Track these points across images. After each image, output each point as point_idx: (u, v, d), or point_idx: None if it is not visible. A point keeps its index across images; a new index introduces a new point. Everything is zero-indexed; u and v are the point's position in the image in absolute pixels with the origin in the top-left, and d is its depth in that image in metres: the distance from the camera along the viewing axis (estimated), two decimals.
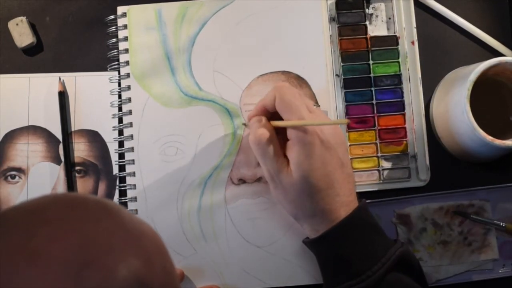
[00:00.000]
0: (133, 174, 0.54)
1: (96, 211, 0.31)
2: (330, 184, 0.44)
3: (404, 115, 0.55)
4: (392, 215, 0.54)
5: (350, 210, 0.45)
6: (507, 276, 0.53)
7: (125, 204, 0.54)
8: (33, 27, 0.56)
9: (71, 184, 0.54)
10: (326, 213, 0.44)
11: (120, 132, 0.55)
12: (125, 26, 0.55)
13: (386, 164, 0.54)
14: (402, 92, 0.55)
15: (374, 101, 0.55)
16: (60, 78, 0.55)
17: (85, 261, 0.27)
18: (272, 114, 0.48)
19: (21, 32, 0.55)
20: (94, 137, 0.55)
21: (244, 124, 0.53)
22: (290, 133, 0.45)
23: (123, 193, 0.54)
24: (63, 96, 0.55)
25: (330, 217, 0.44)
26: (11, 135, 0.55)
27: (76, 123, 0.55)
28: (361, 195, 0.51)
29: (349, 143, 0.54)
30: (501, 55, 0.55)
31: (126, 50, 0.55)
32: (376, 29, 0.56)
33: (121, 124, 0.55)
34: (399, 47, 0.55)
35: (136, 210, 0.54)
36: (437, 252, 0.53)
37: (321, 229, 0.45)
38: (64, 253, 0.27)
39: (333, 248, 0.45)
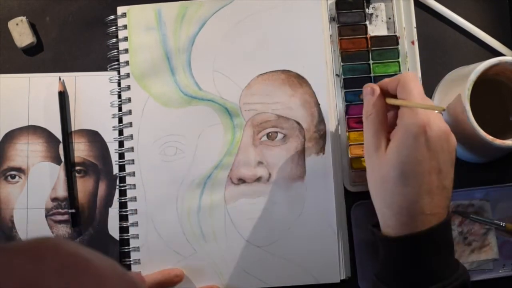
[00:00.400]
0: (133, 174, 0.54)
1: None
2: (421, 184, 0.42)
3: None
4: None
5: (437, 220, 0.43)
6: (507, 276, 0.53)
7: (125, 204, 0.54)
8: (33, 27, 0.56)
9: (71, 184, 0.54)
10: (415, 214, 0.43)
11: (120, 132, 0.55)
12: (125, 26, 0.55)
13: None
14: None
15: None
16: (60, 78, 0.55)
17: None
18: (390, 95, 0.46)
19: (21, 32, 0.55)
20: (94, 137, 0.55)
21: (359, 97, 0.52)
22: (400, 119, 0.44)
23: (123, 193, 0.54)
24: (63, 96, 0.55)
25: (418, 218, 0.42)
26: (11, 135, 0.55)
27: (76, 123, 0.55)
28: (361, 195, 0.52)
29: (349, 143, 0.54)
30: (501, 55, 0.55)
31: (126, 50, 0.55)
32: (376, 29, 0.56)
33: (121, 124, 0.55)
34: (399, 47, 0.55)
35: (136, 210, 0.54)
36: None
37: (404, 228, 0.43)
38: None
39: (412, 252, 0.43)
